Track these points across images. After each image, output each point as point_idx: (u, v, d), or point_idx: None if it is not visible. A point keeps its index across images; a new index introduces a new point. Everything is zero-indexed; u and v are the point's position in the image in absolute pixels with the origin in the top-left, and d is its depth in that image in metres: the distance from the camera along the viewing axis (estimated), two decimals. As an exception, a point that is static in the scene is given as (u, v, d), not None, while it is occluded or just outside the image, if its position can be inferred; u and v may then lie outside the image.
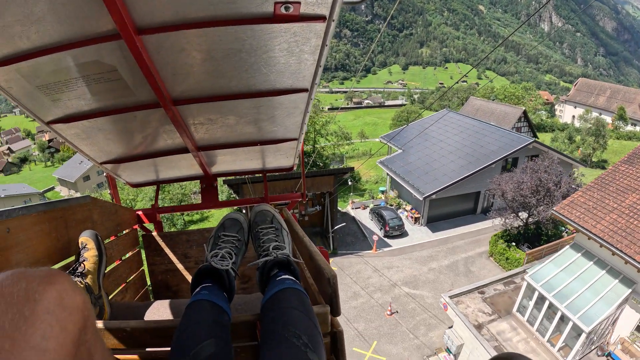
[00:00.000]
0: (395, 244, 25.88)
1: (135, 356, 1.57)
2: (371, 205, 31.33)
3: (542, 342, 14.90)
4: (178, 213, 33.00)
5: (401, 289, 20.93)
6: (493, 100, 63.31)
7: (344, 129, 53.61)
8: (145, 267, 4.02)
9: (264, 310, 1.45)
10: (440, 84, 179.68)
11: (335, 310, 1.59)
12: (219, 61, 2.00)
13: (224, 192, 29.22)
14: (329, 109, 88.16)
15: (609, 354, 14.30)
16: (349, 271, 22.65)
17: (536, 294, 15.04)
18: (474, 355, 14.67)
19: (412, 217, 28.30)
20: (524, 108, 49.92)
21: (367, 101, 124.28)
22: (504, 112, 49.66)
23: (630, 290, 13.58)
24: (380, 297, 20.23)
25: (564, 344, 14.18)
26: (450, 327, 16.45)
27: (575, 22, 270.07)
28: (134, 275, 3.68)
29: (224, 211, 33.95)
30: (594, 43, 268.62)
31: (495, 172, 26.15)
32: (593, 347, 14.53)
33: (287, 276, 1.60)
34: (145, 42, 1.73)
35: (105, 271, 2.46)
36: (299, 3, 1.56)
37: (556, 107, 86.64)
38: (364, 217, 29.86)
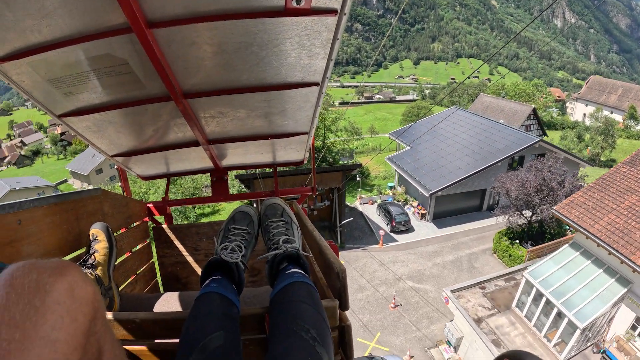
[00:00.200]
0: (402, 239, 26.35)
1: (144, 347, 1.61)
2: (379, 201, 31.73)
3: (539, 337, 15.39)
4: (190, 206, 33.48)
5: (405, 282, 21.44)
6: (503, 97, 63.07)
7: (354, 124, 53.90)
8: (155, 259, 4.10)
9: (273, 303, 1.47)
10: (451, 79, 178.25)
11: (344, 305, 1.59)
12: (230, 55, 2.01)
13: (234, 186, 29.81)
14: (339, 103, 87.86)
15: (604, 352, 14.71)
16: (355, 265, 23.19)
17: (534, 291, 15.50)
18: (473, 347, 15.24)
19: (418, 213, 28.71)
20: (533, 106, 49.86)
21: (378, 96, 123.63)
22: (514, 109, 49.57)
23: (625, 289, 13.95)
24: (385, 290, 20.79)
25: (560, 339, 14.65)
26: (451, 321, 17.01)
27: (589, 18, 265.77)
28: (144, 267, 3.74)
29: (235, 205, 34.64)
30: (607, 40, 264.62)
31: (501, 170, 26.38)
32: (589, 344, 15.01)
33: (296, 270, 1.60)
34: (156, 36, 1.75)
35: (116, 263, 2.53)
36: None
37: (567, 104, 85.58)
38: (372, 213, 30.30)
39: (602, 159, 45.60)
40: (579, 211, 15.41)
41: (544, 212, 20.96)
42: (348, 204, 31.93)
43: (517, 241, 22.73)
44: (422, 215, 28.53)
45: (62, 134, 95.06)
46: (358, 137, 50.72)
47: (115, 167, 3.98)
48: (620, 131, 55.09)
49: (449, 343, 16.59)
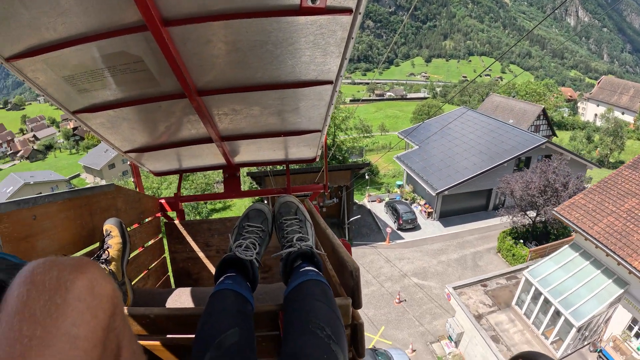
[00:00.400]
0: (408, 236, 26.81)
1: (158, 342, 1.61)
2: (387, 199, 32.21)
3: (537, 334, 15.83)
4: (202, 202, 33.88)
5: (410, 279, 21.93)
6: (514, 97, 62.85)
7: (365, 121, 54.08)
8: (166, 254, 4.10)
9: (287, 301, 1.47)
10: (463, 77, 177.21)
11: (357, 303, 1.59)
12: (245, 52, 2.02)
13: (245, 182, 30.38)
14: (350, 100, 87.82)
15: (600, 351, 15.07)
16: (362, 261, 23.68)
17: (533, 289, 15.94)
18: (473, 343, 15.76)
19: (425, 212, 29.16)
20: (543, 106, 49.71)
21: (389, 93, 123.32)
22: (523, 109, 49.52)
23: (622, 290, 14.30)
24: (390, 286, 21.31)
25: (557, 337, 15.10)
26: (452, 317, 17.55)
27: (602, 17, 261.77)
28: (156, 262, 3.76)
29: (245, 201, 35.15)
30: (620, 39, 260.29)
31: (508, 171, 26.70)
32: (586, 343, 15.41)
33: (310, 268, 1.60)
34: (171, 34, 1.76)
35: (129, 258, 2.56)
36: None
37: (579, 104, 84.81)
38: (379, 210, 30.76)
39: (611, 160, 45.40)
40: (579, 213, 15.74)
41: (547, 213, 21.23)
42: (357, 201, 32.47)
43: (522, 241, 23.02)
44: (429, 214, 28.95)
45: (74, 128, 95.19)
46: (368, 134, 50.94)
47: (129, 162, 4.03)
48: (631, 132, 54.65)
49: (450, 338, 17.12)
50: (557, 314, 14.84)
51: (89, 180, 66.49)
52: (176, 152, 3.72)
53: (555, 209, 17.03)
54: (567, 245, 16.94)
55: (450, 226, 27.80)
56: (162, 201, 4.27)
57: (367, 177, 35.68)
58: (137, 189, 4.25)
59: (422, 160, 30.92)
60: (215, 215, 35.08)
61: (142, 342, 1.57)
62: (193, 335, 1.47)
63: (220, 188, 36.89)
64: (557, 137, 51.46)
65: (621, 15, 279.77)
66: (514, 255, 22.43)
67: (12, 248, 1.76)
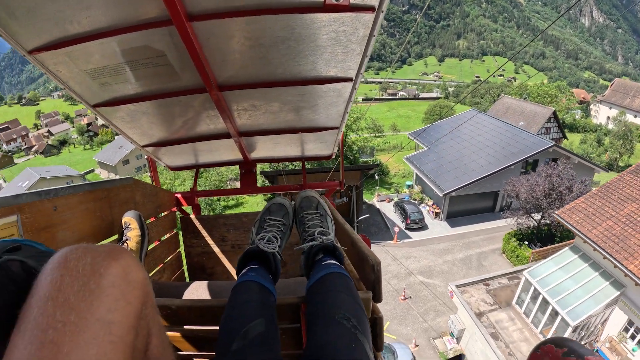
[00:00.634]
0: (415, 236, 27.30)
1: (178, 333, 1.63)
2: (396, 199, 32.71)
3: (535, 332, 16.31)
4: (215, 199, 34.03)
5: (416, 277, 22.47)
6: (525, 98, 62.69)
7: (377, 121, 54.19)
8: (182, 248, 4.11)
9: (311, 293, 1.47)
10: (476, 77, 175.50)
11: (378, 297, 1.59)
12: (267, 48, 2.02)
13: (257, 181, 31.03)
14: (362, 99, 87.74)
15: (596, 351, 15.38)
16: (369, 259, 24.23)
17: (532, 289, 16.42)
18: (473, 339, 16.36)
19: (433, 212, 29.65)
20: (553, 109, 49.65)
21: (401, 93, 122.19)
22: (534, 111, 49.53)
23: (618, 292, 14.65)
24: (396, 284, 21.89)
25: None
26: (455, 314, 18.13)
27: (617, 18, 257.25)
28: (171, 256, 3.75)
29: (257, 199, 35.71)
30: (635, 40, 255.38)
31: (515, 173, 27.01)
32: (583, 343, 15.86)
33: (332, 261, 1.60)
34: (195, 29, 1.78)
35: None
36: None
37: (591, 106, 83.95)
38: (388, 210, 31.29)
39: (620, 164, 45.34)
40: (579, 216, 16.10)
41: (551, 216, 21.37)
42: (366, 200, 33.05)
43: (526, 242, 23.36)
44: (437, 214, 29.43)
45: (88, 124, 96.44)
46: (380, 134, 51.15)
47: (145, 157, 4.04)
48: (642, 136, 54.50)
49: (452, 334, 17.71)
50: (555, 313, 15.27)
51: (103, 176, 66.55)
52: (193, 147, 3.78)
53: (556, 212, 17.42)
54: (567, 248, 17.33)
55: (457, 227, 28.22)
56: (178, 195, 4.32)
57: (377, 177, 36.16)
58: (154, 184, 4.26)
59: (431, 162, 31.37)
60: (229, 212, 35.07)
61: None
62: (213, 327, 1.59)
63: (232, 186, 37.84)
64: (567, 139, 51.38)
65: (636, 16, 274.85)
66: (517, 256, 22.81)
67: (33, 238, 1.74)
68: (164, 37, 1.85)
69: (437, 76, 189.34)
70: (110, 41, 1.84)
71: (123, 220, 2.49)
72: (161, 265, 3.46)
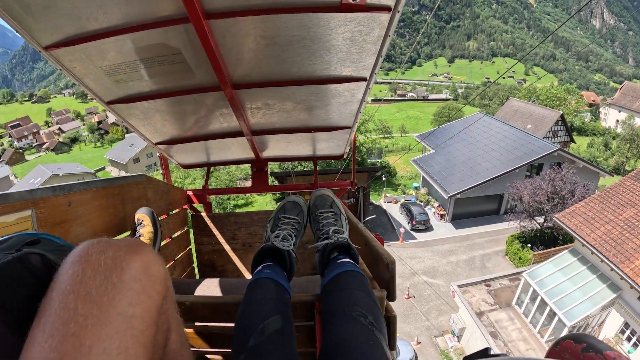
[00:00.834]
0: (420, 237, 27.70)
1: (191, 330, 1.64)
2: (402, 200, 33.08)
3: (534, 332, 16.75)
4: (226, 197, 34.38)
5: (420, 277, 22.86)
6: (534, 101, 62.57)
7: (385, 122, 54.47)
8: (192, 246, 4.10)
9: (326, 291, 1.47)
10: (486, 78, 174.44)
11: (391, 295, 1.59)
12: (282, 47, 2.02)
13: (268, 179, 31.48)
14: (372, 100, 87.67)
15: None
16: (375, 258, 24.67)
17: (531, 290, 16.84)
18: (473, 338, 16.86)
19: (438, 214, 30.04)
20: (561, 112, 49.56)
21: (410, 94, 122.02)
22: (542, 114, 49.41)
23: (615, 295, 14.97)
24: (400, 283, 22.04)
25: (552, 336, 15.92)
26: (456, 313, 18.59)
27: (628, 20, 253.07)
28: (182, 253, 3.76)
29: (267, 198, 36.11)
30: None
31: (519, 177, 27.31)
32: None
33: (347, 259, 1.60)
34: (212, 27, 1.78)
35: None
36: None
37: (601, 109, 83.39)
38: (395, 211, 31.73)
39: (627, 168, 45.03)
40: (579, 220, 16.40)
41: (553, 219, 21.78)
42: (373, 201, 33.48)
43: (529, 245, 23.67)
44: (442, 216, 29.83)
45: (99, 122, 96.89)
46: (388, 135, 51.45)
47: (158, 154, 4.00)
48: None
49: (453, 333, 18.17)
50: (552, 314, 15.66)
51: (114, 174, 66.63)
52: (205, 145, 3.78)
53: (556, 215, 17.76)
54: (566, 250, 17.66)
55: (461, 228, 28.57)
56: (190, 193, 4.34)
57: (384, 178, 36.53)
58: (166, 181, 4.23)
59: (437, 164, 31.76)
60: (238, 211, 35.88)
61: None
62: (227, 324, 1.61)
63: (243, 185, 37.58)
64: (575, 143, 51.37)
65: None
66: (520, 258, 23.12)
67: (47, 233, 1.61)
68: (180, 34, 1.87)
69: (446, 77, 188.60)
70: (127, 38, 1.86)
71: (136, 217, 2.53)
72: (172, 262, 3.49)
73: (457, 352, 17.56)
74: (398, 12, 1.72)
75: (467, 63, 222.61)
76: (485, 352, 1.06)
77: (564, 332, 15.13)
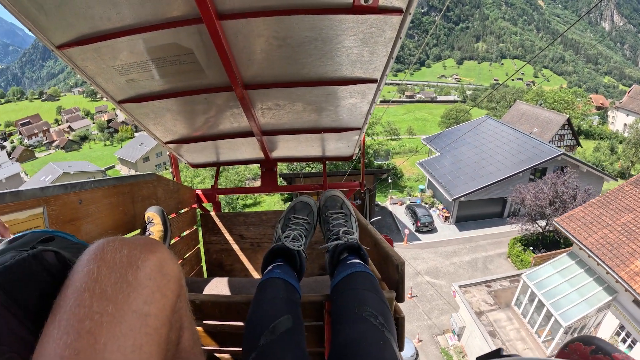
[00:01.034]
0: (425, 238, 28.13)
1: (200, 328, 1.66)
2: (407, 202, 33.49)
3: (531, 332, 17.14)
4: (235, 197, 34.71)
5: (423, 277, 23.20)
6: (541, 104, 62.46)
7: (393, 123, 54.56)
8: (201, 245, 4.10)
9: (336, 291, 1.47)
10: (495, 80, 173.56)
11: (400, 297, 1.59)
12: (294, 48, 2.01)
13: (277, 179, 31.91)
14: (380, 101, 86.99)
15: None
16: (379, 259, 25.04)
17: (529, 291, 17.23)
18: (472, 336, 17.34)
19: (442, 216, 30.43)
20: (567, 116, 49.56)
21: (419, 95, 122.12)
22: (548, 118, 49.48)
23: (610, 297, 15.30)
24: (404, 283, 22.76)
25: (548, 337, 16.35)
26: (457, 312, 19.07)
27: (638, 22, 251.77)
28: (191, 252, 3.76)
29: (274, 198, 36.53)
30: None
31: (523, 180, 27.59)
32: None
33: (357, 260, 1.61)
34: (224, 27, 1.80)
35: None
36: None
37: (609, 113, 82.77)
38: (400, 213, 32.15)
39: (633, 173, 44.72)
40: (577, 224, 16.71)
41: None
42: (379, 203, 33.93)
43: (531, 248, 23.97)
44: (446, 218, 30.20)
45: (108, 121, 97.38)
46: (395, 137, 51.59)
47: (168, 153, 4.01)
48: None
49: (453, 332, 18.60)
50: (550, 314, 16.02)
51: (124, 172, 66.82)
52: (215, 144, 3.78)
53: (555, 219, 18.08)
54: (565, 253, 17.99)
55: (465, 230, 28.91)
56: (199, 192, 4.33)
57: (389, 180, 36.93)
58: (175, 180, 4.21)
59: (442, 167, 32.15)
60: (247, 211, 36.22)
61: None
62: (237, 323, 1.63)
63: (252, 185, 37.87)
64: (581, 147, 51.39)
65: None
66: (522, 260, 23.41)
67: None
68: (192, 35, 1.88)
69: (455, 79, 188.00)
70: (139, 38, 1.87)
71: (146, 215, 2.54)
72: (180, 260, 3.46)
73: (456, 350, 18.00)
74: (410, 14, 1.74)
75: (475, 65, 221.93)
76: (497, 352, 1.07)
77: (560, 333, 15.62)
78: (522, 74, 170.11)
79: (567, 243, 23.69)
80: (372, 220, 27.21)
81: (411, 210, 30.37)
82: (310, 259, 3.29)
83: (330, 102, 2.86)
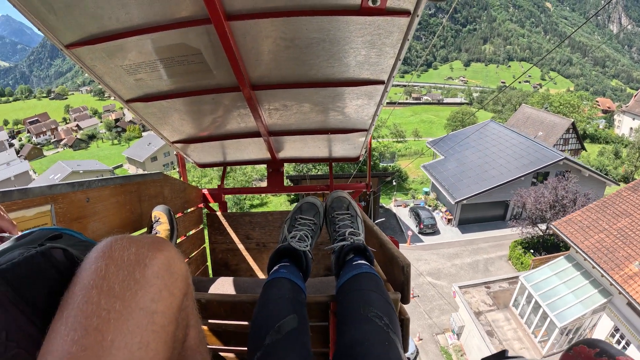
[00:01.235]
0: (427, 240, 28.54)
1: (205, 327, 1.66)
2: (411, 205, 33.96)
3: (528, 332, 17.60)
4: (242, 197, 35.04)
5: (425, 278, 23.59)
6: (546, 108, 62.32)
7: (399, 126, 54.60)
8: (206, 244, 4.08)
9: (341, 292, 1.46)
10: (502, 82, 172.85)
11: (405, 298, 1.59)
12: (302, 49, 2.03)
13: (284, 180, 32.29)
14: (387, 103, 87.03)
15: None
16: (382, 259, 25.46)
17: (527, 292, 17.67)
18: (471, 335, 17.83)
19: (445, 219, 30.87)
20: (572, 120, 49.43)
21: (425, 97, 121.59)
22: (553, 122, 49.38)
23: (605, 299, 15.67)
24: (406, 283, 23.16)
25: (544, 337, 16.78)
26: (456, 312, 19.55)
27: None
28: (196, 251, 3.73)
29: (281, 199, 36.95)
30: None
31: (525, 184, 27.99)
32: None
33: (363, 261, 1.60)
34: (233, 28, 1.80)
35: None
36: None
37: (615, 117, 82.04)
38: (404, 215, 32.56)
39: (637, 177, 44.02)
40: (574, 228, 17.06)
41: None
42: (384, 204, 34.29)
43: (532, 251, 24.23)
44: (449, 220, 30.63)
45: (116, 120, 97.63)
46: (401, 139, 51.72)
47: (175, 153, 3.97)
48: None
49: (453, 331, 19.09)
50: (546, 315, 16.45)
51: (132, 171, 64.09)
52: (221, 144, 3.78)
53: (553, 222, 18.46)
54: (562, 257, 18.39)
55: (467, 233, 29.26)
56: (206, 192, 4.33)
57: (394, 182, 37.33)
58: (182, 179, 4.16)
59: (446, 170, 32.52)
60: (253, 211, 36.39)
61: None
62: (242, 322, 1.66)
63: (258, 186, 38.13)
64: (586, 151, 51.31)
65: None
66: (522, 263, 23.71)
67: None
68: (200, 35, 1.88)
69: (462, 81, 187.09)
70: (148, 38, 1.87)
71: (153, 214, 2.53)
72: (186, 260, 3.36)
73: (455, 348, 18.44)
74: (417, 16, 1.73)
75: (483, 67, 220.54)
76: (502, 354, 1.06)
77: (555, 333, 16.07)
78: (529, 76, 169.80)
79: (567, 246, 23.66)
80: (376, 222, 27.39)
81: (415, 213, 30.80)
82: (316, 259, 3.35)
83: (337, 103, 2.87)
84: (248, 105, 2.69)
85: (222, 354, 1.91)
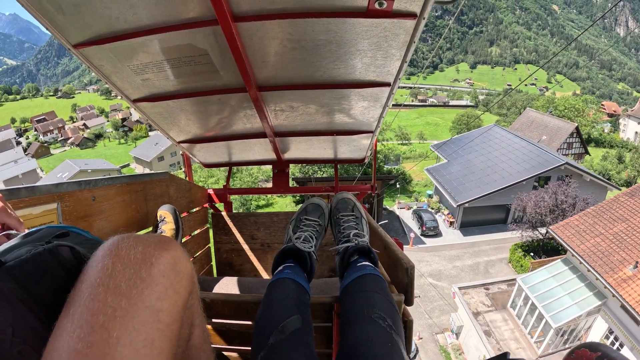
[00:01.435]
0: (429, 242, 28.96)
1: (209, 326, 1.67)
2: (414, 207, 34.39)
3: (524, 333, 18.09)
4: (249, 198, 35.32)
5: (426, 279, 23.98)
6: (551, 112, 62.29)
7: (404, 128, 54.69)
8: (211, 244, 4.08)
9: (345, 293, 1.47)
10: (508, 85, 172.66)
11: (409, 300, 1.60)
12: (308, 51, 2.03)
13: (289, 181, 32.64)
14: (392, 105, 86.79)
15: None
16: (385, 260, 25.90)
17: (524, 294, 18.14)
18: (469, 335, 18.34)
19: (448, 221, 31.30)
20: (576, 124, 49.49)
21: (431, 99, 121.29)
22: (557, 126, 49.44)
23: (600, 302, 16.10)
24: (407, 284, 23.55)
25: (540, 338, 17.25)
26: (455, 312, 20.05)
27: None
28: (201, 251, 3.74)
29: (286, 200, 37.36)
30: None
31: (526, 188, 28.37)
32: (567, 346, 17.28)
33: (367, 263, 1.60)
34: (240, 29, 1.80)
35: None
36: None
37: (620, 121, 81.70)
38: (407, 217, 33.01)
39: (639, 181, 44.06)
40: (571, 232, 17.51)
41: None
42: (387, 207, 34.81)
43: (531, 254, 24.65)
44: (451, 223, 31.06)
45: (123, 119, 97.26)
46: (406, 142, 51.88)
47: (181, 153, 3.97)
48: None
49: (452, 331, 19.60)
50: (541, 316, 16.89)
51: (139, 171, 65.46)
52: (227, 145, 3.76)
53: (551, 226, 18.89)
54: (559, 260, 18.82)
55: (469, 235, 29.63)
56: (211, 192, 4.33)
57: (398, 185, 37.69)
58: (188, 179, 4.16)
59: (449, 174, 32.96)
60: (258, 212, 35.98)
61: None
62: (246, 322, 1.70)
63: (264, 186, 38.81)
64: (589, 155, 51.41)
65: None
66: (522, 266, 24.09)
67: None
68: (207, 36, 1.89)
69: (468, 83, 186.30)
70: (155, 39, 1.87)
71: (158, 214, 2.53)
72: (191, 259, 3.62)
73: (454, 348, 18.91)
74: (424, 18, 1.72)
75: (489, 69, 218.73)
76: (504, 356, 1.06)
77: (551, 334, 16.53)
78: (536, 79, 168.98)
79: (566, 250, 24.47)
80: (379, 223, 27.63)
81: (417, 215, 31.23)
82: (320, 260, 3.38)
83: (344, 105, 2.86)
84: (254, 106, 2.71)
85: (225, 353, 1.95)
